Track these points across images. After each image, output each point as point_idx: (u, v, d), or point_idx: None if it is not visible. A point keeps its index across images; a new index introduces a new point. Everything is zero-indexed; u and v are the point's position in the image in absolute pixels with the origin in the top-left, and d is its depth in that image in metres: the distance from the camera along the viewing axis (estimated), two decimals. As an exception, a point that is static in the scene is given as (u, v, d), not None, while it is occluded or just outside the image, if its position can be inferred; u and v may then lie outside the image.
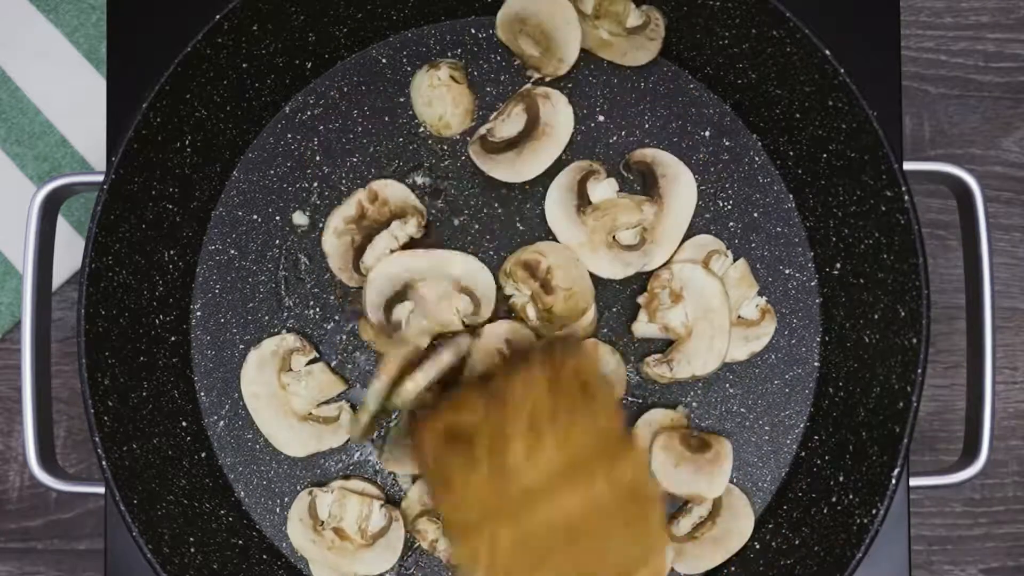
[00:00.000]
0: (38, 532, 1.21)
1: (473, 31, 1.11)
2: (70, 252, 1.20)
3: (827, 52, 1.00)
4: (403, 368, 0.99)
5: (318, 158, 1.10)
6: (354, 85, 1.11)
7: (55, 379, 1.13)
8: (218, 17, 1.01)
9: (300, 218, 1.10)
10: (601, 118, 1.11)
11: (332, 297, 1.10)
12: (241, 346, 1.09)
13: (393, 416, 1.07)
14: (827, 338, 1.09)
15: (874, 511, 0.99)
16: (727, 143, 1.11)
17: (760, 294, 1.09)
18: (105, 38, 1.15)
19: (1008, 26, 1.24)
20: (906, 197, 0.99)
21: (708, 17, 1.05)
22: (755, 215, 1.10)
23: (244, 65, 1.06)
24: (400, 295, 1.06)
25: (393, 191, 1.08)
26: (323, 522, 1.06)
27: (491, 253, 1.10)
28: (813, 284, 1.10)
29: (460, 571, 0.88)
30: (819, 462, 1.07)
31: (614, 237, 1.08)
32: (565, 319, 1.05)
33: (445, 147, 1.10)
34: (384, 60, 1.11)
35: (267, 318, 1.10)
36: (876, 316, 1.04)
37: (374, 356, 1.09)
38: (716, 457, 1.06)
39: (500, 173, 1.08)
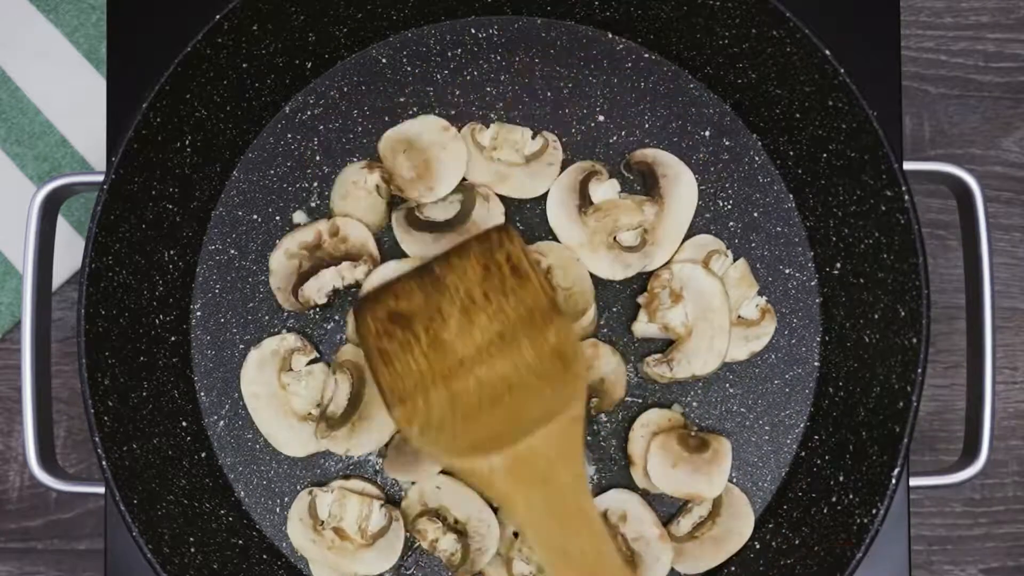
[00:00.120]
0: (38, 532, 1.21)
1: (473, 31, 1.11)
2: (70, 252, 1.20)
3: (827, 52, 1.00)
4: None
5: (318, 158, 1.10)
6: (354, 85, 1.11)
7: (55, 379, 1.13)
8: (218, 17, 1.01)
9: (300, 218, 1.10)
10: (601, 118, 1.11)
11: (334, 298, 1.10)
12: (241, 346, 1.09)
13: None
14: (827, 338, 1.09)
15: (874, 511, 0.99)
16: (727, 143, 1.11)
17: (760, 294, 1.09)
18: (105, 38, 1.15)
19: (1008, 26, 1.24)
20: (906, 197, 0.99)
21: (708, 17, 1.05)
22: (755, 215, 1.10)
23: (244, 65, 1.06)
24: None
25: (355, 231, 1.08)
26: (323, 522, 1.06)
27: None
28: (813, 284, 1.10)
29: (399, 428, 0.97)
30: (819, 462, 1.07)
31: (615, 238, 1.08)
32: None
33: (445, 147, 1.11)
34: (384, 60, 1.11)
35: (267, 318, 1.10)
36: (876, 316, 1.04)
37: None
38: (715, 456, 1.06)
39: (410, 248, 1.08)
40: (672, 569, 1.07)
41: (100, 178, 1.02)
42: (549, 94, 1.11)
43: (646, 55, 1.11)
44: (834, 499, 1.04)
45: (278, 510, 1.09)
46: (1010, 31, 1.24)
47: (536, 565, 1.04)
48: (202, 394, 1.09)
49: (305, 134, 1.11)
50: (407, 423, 0.94)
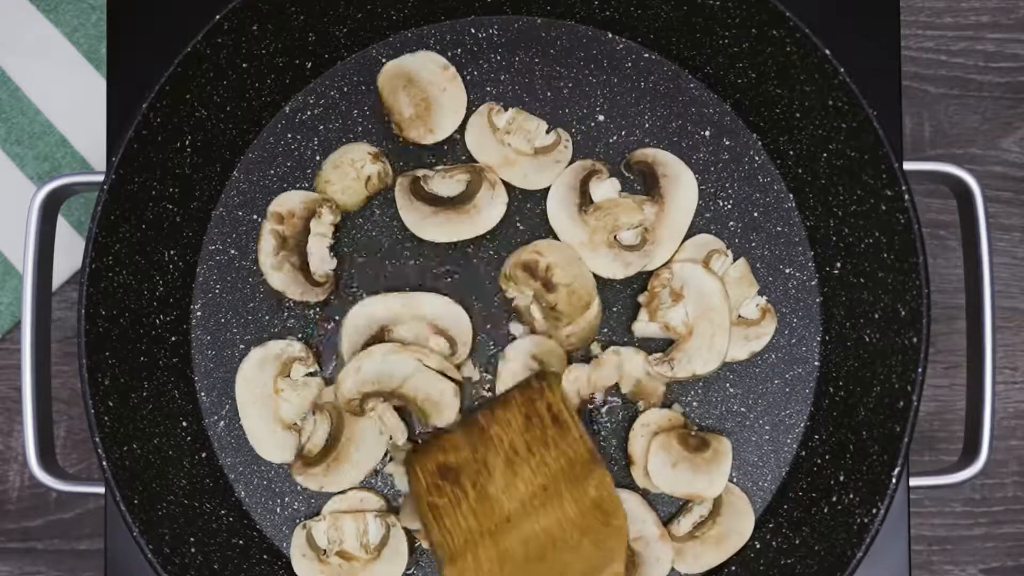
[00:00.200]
0: (38, 532, 1.21)
1: (473, 31, 1.11)
2: (70, 252, 1.20)
3: (827, 52, 1.00)
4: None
5: (318, 158, 1.10)
6: (354, 85, 1.11)
7: (55, 379, 1.13)
8: (218, 17, 1.01)
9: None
10: (601, 118, 1.11)
11: (332, 297, 1.10)
12: (241, 346, 1.09)
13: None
14: (827, 337, 1.09)
15: (874, 510, 0.99)
16: (727, 143, 1.11)
17: (760, 293, 1.09)
18: (105, 38, 1.15)
19: (1008, 26, 1.24)
20: (906, 196, 0.99)
21: (708, 17, 1.05)
22: (755, 214, 1.10)
23: (244, 65, 1.06)
24: (376, 339, 1.06)
25: (291, 200, 1.08)
26: (325, 551, 1.06)
27: (491, 253, 1.10)
28: (813, 283, 1.10)
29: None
30: (819, 462, 1.07)
31: (615, 237, 1.08)
32: (570, 314, 1.05)
33: (445, 147, 1.10)
34: (384, 60, 1.11)
35: (267, 318, 1.10)
36: (876, 315, 1.04)
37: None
38: (715, 456, 1.06)
39: (407, 218, 1.08)
40: (672, 569, 1.07)
41: (100, 178, 1.02)
42: (549, 94, 1.11)
43: (646, 55, 1.11)
44: (834, 499, 1.04)
45: (278, 510, 1.09)
46: (1010, 31, 1.24)
47: None
48: (202, 394, 1.09)
49: (305, 134, 1.11)
50: None
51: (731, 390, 1.09)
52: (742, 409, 1.09)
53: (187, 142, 1.05)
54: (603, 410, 1.09)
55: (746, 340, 1.08)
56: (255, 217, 1.10)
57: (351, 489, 1.08)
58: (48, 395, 1.05)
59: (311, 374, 1.09)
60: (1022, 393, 1.23)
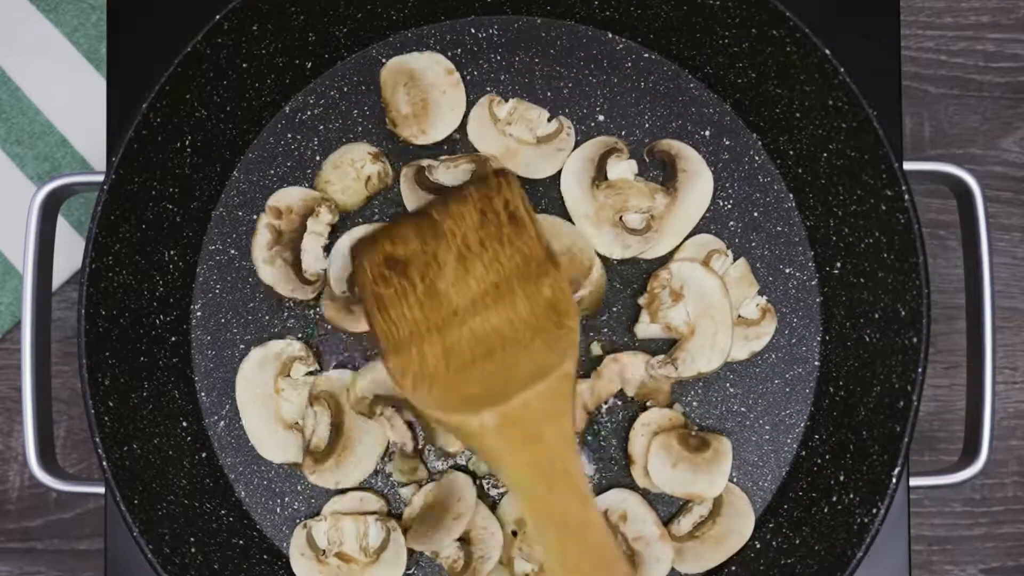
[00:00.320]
0: (38, 532, 1.21)
1: (473, 31, 1.11)
2: (70, 252, 1.20)
3: (827, 52, 1.00)
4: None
5: (318, 158, 1.10)
6: (354, 85, 1.11)
7: (55, 379, 1.13)
8: (218, 17, 1.01)
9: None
10: (601, 118, 1.11)
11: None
12: (241, 346, 1.09)
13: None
14: (827, 337, 1.09)
15: (874, 510, 0.99)
16: (727, 143, 1.11)
17: (760, 293, 1.09)
18: (105, 38, 1.15)
19: (1008, 26, 1.24)
20: (906, 196, 0.99)
21: (708, 17, 1.05)
22: (755, 214, 1.10)
23: (244, 65, 1.06)
24: None
25: (291, 196, 1.08)
26: (324, 551, 1.06)
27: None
28: (813, 283, 1.10)
29: (392, 380, 0.96)
30: (819, 461, 1.07)
31: (621, 217, 1.08)
32: (576, 280, 1.05)
33: (444, 147, 1.10)
34: (384, 60, 1.11)
35: (267, 318, 1.10)
36: (876, 315, 1.04)
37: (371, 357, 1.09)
38: (715, 456, 1.06)
39: (412, 206, 1.08)
40: (672, 569, 1.07)
41: (100, 178, 1.02)
42: (549, 94, 1.11)
43: (646, 55, 1.11)
44: (834, 499, 1.04)
45: (278, 510, 1.09)
46: (1010, 31, 1.24)
47: (537, 562, 1.04)
48: (202, 394, 1.09)
49: (305, 134, 1.11)
50: (401, 375, 0.94)
51: (731, 390, 1.09)
52: (742, 409, 1.09)
53: (187, 142, 1.05)
54: (603, 410, 1.09)
55: (746, 340, 1.08)
56: (255, 217, 1.10)
57: (351, 490, 1.08)
58: (48, 395, 1.05)
59: (311, 373, 1.09)
60: (1022, 393, 1.23)
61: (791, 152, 1.09)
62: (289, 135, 1.11)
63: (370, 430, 1.06)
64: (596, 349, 1.09)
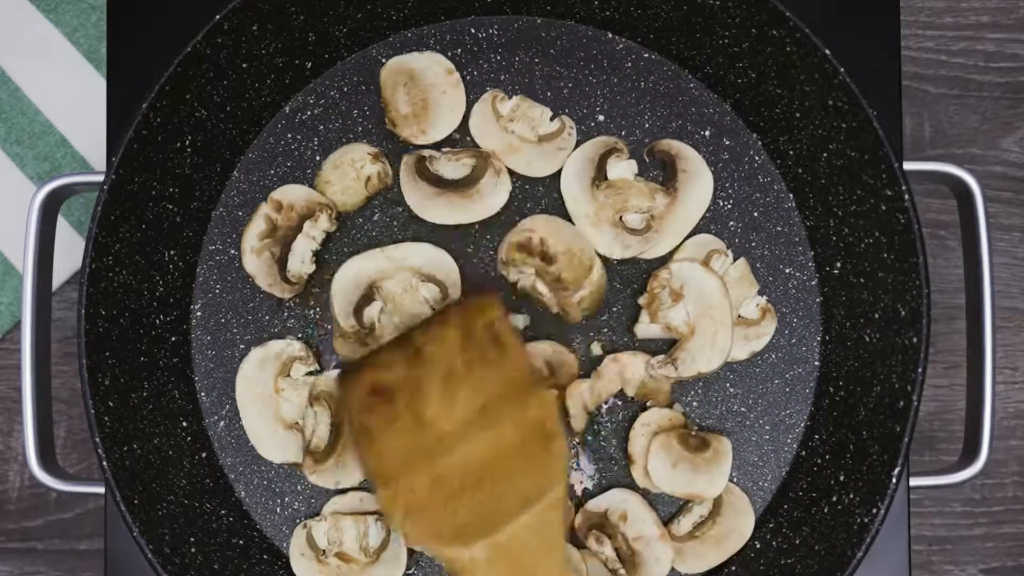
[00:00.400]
0: (38, 532, 1.21)
1: (473, 31, 1.11)
2: (70, 252, 1.20)
3: (827, 52, 1.00)
4: None
5: (318, 158, 1.10)
6: (354, 85, 1.11)
7: (55, 379, 1.13)
8: (218, 17, 1.01)
9: (300, 218, 1.10)
10: (601, 118, 1.11)
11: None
12: (241, 346, 1.09)
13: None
14: (827, 337, 1.09)
15: (874, 510, 0.99)
16: (727, 143, 1.11)
17: (760, 293, 1.09)
18: (105, 38, 1.15)
19: (1008, 26, 1.24)
20: (906, 196, 0.99)
21: (708, 17, 1.05)
22: (755, 214, 1.10)
23: (244, 65, 1.06)
24: (367, 297, 1.06)
25: (295, 194, 1.08)
26: (324, 551, 1.06)
27: (491, 252, 1.10)
28: (813, 283, 1.10)
29: (384, 515, 0.94)
30: (819, 461, 1.07)
31: (620, 217, 1.08)
32: (576, 280, 1.05)
33: (446, 148, 1.10)
34: (384, 60, 1.11)
35: (267, 318, 1.10)
36: (876, 315, 1.04)
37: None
38: (715, 456, 1.06)
39: (411, 198, 1.08)
40: (672, 569, 1.07)
41: (100, 178, 1.02)
42: (549, 94, 1.11)
43: (646, 55, 1.11)
44: (834, 499, 1.04)
45: (278, 510, 1.09)
46: (1010, 31, 1.24)
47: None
48: (202, 394, 1.09)
49: (305, 134, 1.11)
50: (392, 506, 0.92)
51: (731, 390, 1.09)
52: (742, 409, 1.09)
53: (187, 142, 1.05)
54: (603, 410, 1.09)
55: (746, 340, 1.08)
56: (255, 217, 1.10)
57: (351, 489, 1.08)
58: (48, 395, 1.05)
59: (311, 373, 1.09)
60: (1022, 393, 1.23)
61: (791, 152, 1.09)
62: (289, 135, 1.11)
63: None
64: (596, 349, 1.09)
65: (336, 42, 1.10)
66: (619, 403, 1.09)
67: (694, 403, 1.09)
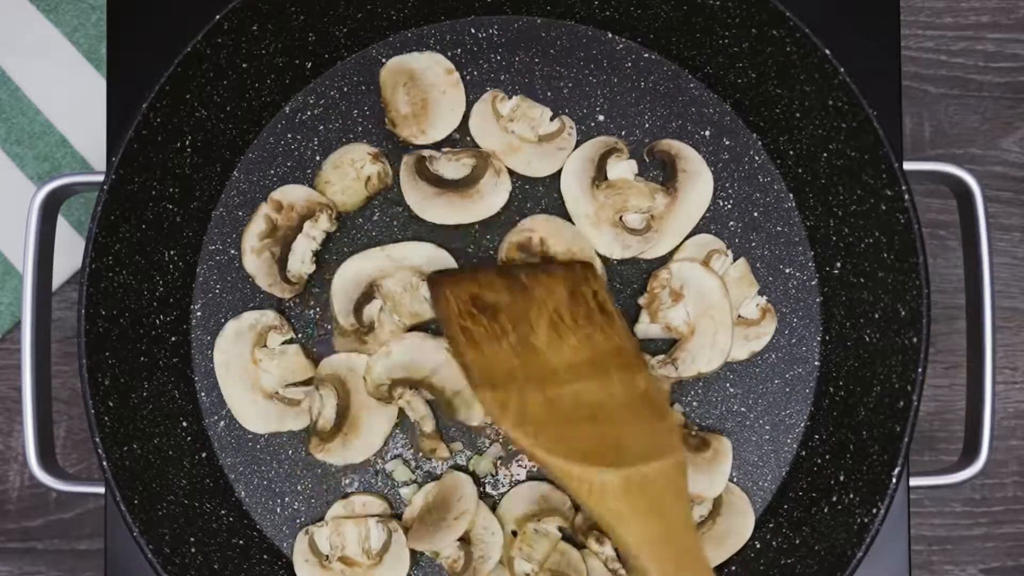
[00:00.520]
0: (38, 532, 1.21)
1: (473, 31, 1.11)
2: (70, 252, 1.20)
3: (827, 52, 1.00)
4: None
5: (318, 158, 1.10)
6: (354, 85, 1.11)
7: (55, 379, 1.13)
8: (218, 17, 1.01)
9: (300, 218, 1.10)
10: (601, 118, 1.11)
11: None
12: (241, 346, 1.09)
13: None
14: (827, 337, 1.09)
15: (874, 510, 0.99)
16: (727, 143, 1.11)
17: (760, 293, 1.09)
18: (105, 38, 1.15)
19: (1008, 26, 1.24)
20: (906, 196, 0.99)
21: (708, 17, 1.05)
22: (755, 214, 1.10)
23: (244, 65, 1.06)
24: (367, 296, 1.06)
25: (295, 194, 1.08)
26: (327, 556, 1.06)
27: (491, 253, 1.10)
28: (813, 283, 1.10)
29: (490, 414, 0.93)
30: (819, 461, 1.07)
31: (620, 218, 1.08)
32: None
33: (446, 148, 1.10)
34: (384, 60, 1.11)
35: (267, 318, 1.10)
36: (876, 315, 1.04)
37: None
38: (715, 456, 1.06)
39: (411, 197, 1.08)
40: (672, 569, 1.07)
41: (100, 178, 1.02)
42: (549, 94, 1.11)
43: (646, 55, 1.11)
44: (834, 499, 1.04)
45: (278, 510, 1.09)
46: (1010, 31, 1.24)
47: (537, 562, 1.04)
48: (202, 394, 1.09)
49: (305, 134, 1.11)
50: (501, 409, 0.91)
51: (731, 390, 1.09)
52: (742, 409, 1.09)
53: (187, 142, 1.05)
54: (603, 410, 1.09)
55: (746, 340, 1.08)
56: (255, 217, 1.10)
57: (353, 494, 1.08)
58: (48, 395, 1.05)
59: (288, 342, 1.08)
60: (1022, 393, 1.23)
61: (791, 152, 1.09)
62: (289, 135, 1.11)
63: (377, 409, 1.06)
64: (596, 349, 1.09)
65: (336, 42, 1.10)
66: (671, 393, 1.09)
67: (694, 403, 1.09)
